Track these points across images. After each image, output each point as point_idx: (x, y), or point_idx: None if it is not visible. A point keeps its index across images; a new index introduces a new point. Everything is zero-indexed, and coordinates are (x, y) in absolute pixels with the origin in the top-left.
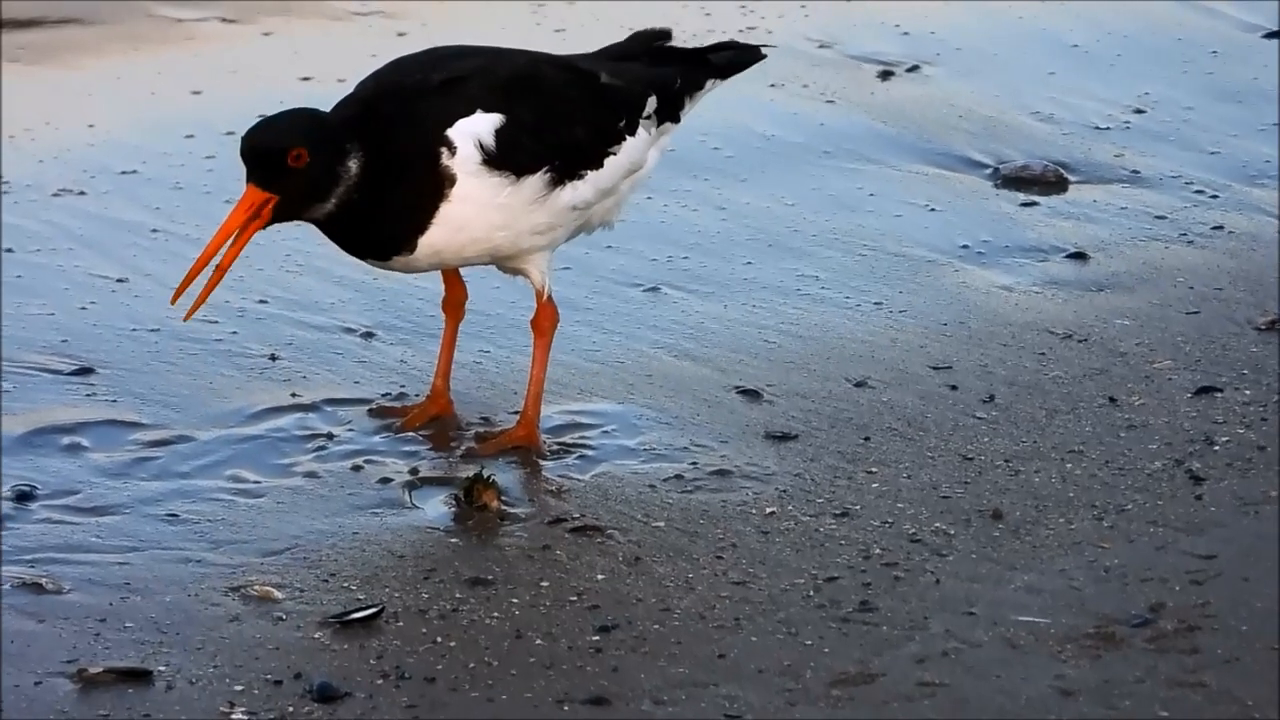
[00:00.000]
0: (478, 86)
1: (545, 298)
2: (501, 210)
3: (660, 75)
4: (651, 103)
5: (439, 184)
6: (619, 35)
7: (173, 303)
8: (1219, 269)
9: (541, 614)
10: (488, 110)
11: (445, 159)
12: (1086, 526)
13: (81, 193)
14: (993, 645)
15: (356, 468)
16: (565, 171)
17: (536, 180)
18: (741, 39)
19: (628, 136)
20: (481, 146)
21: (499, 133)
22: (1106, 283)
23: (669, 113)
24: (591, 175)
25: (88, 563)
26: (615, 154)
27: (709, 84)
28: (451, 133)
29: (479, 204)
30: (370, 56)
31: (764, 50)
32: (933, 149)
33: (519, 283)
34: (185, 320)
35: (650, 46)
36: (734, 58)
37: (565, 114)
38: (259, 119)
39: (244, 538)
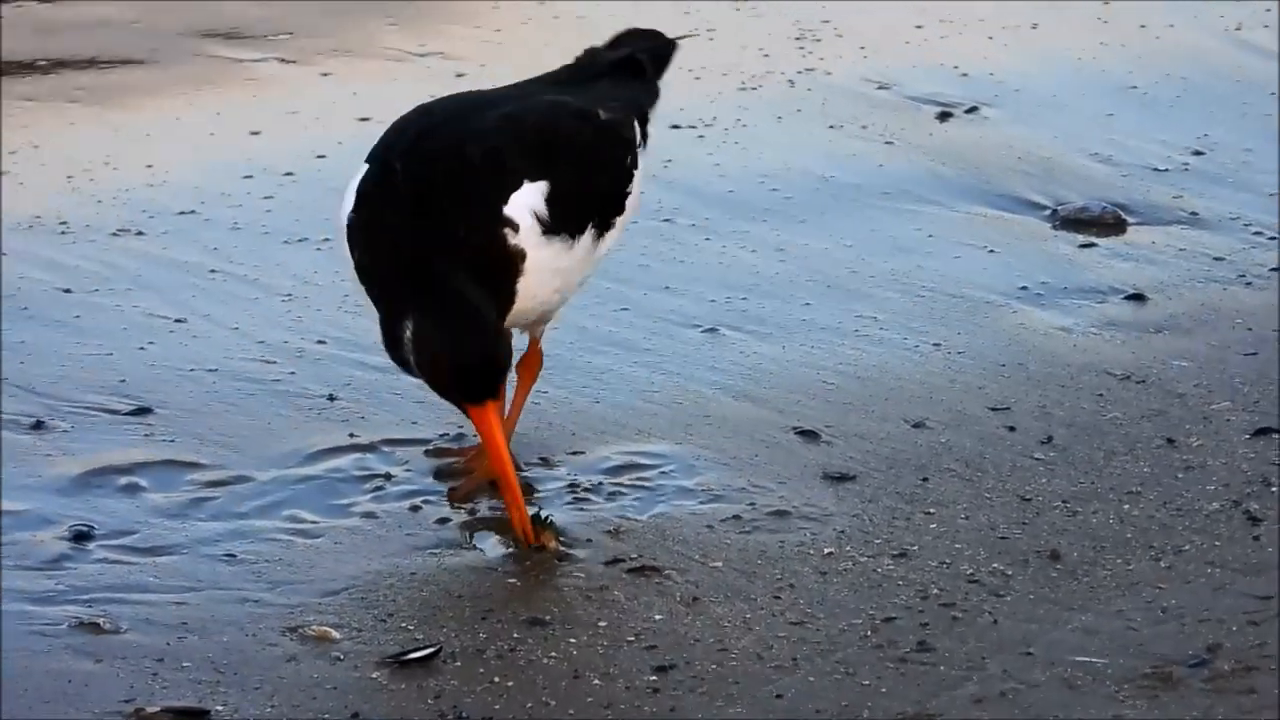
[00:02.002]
0: (513, 154)
1: (541, 343)
2: (559, 274)
3: (633, 99)
4: (638, 131)
5: (510, 263)
6: (679, 78)
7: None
8: (1277, 310)
9: (599, 654)
10: (533, 179)
11: (511, 238)
12: (1144, 567)
13: (140, 233)
14: (1050, 686)
15: (414, 508)
16: (603, 223)
17: (586, 238)
18: (800, 80)
19: (635, 172)
20: (539, 218)
21: (549, 200)
22: (1165, 324)
23: (645, 137)
24: (619, 220)
25: (145, 602)
26: (630, 193)
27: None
28: (509, 211)
29: (542, 271)
30: (429, 97)
31: (678, 40)
32: (991, 191)
33: (575, 322)
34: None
35: (583, 59)
36: (655, 52)
37: (593, 164)
38: (472, 337)
39: (302, 578)
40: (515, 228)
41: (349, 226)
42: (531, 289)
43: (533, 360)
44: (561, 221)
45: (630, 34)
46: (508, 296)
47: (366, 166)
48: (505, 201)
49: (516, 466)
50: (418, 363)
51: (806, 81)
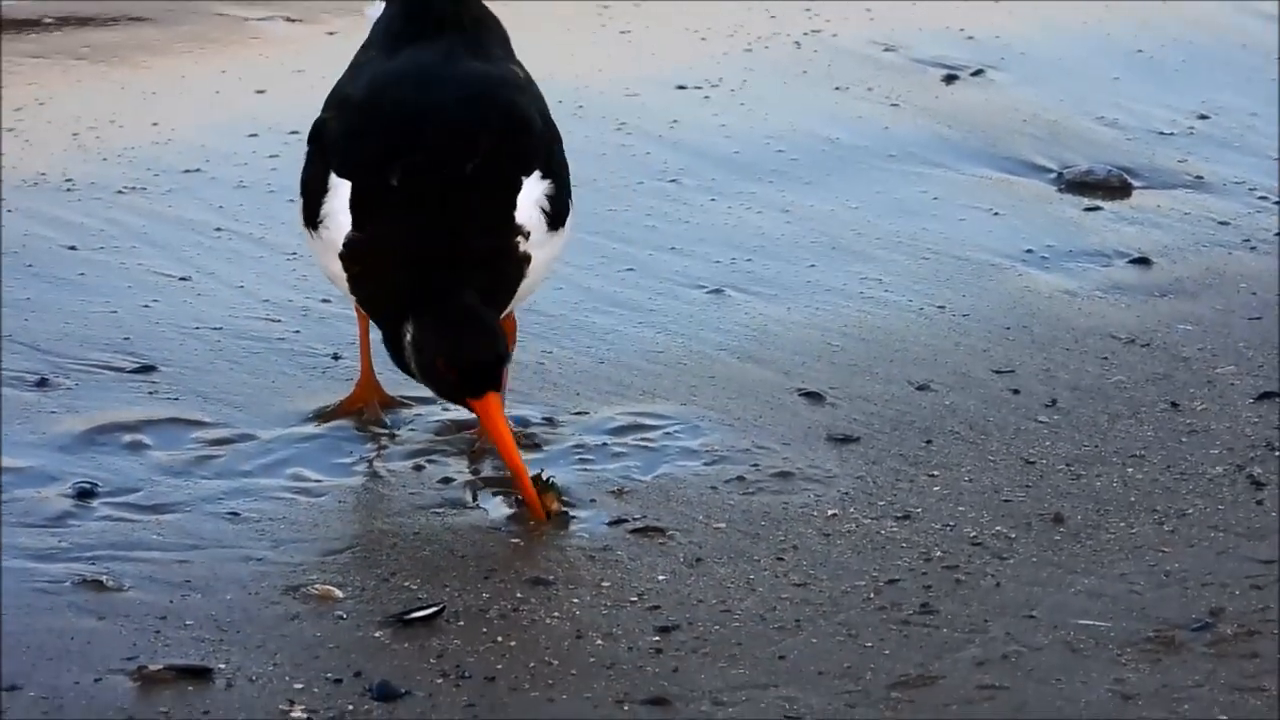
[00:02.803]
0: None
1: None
2: (551, 264)
3: (500, 39)
4: None
5: (520, 268)
6: (685, 39)
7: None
8: None
9: (602, 614)
10: (528, 176)
11: (523, 245)
12: (1147, 531)
13: (145, 191)
14: (1053, 649)
15: (418, 467)
16: (569, 206)
17: (569, 225)
18: (806, 42)
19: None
20: (545, 216)
21: (549, 195)
22: (1169, 288)
23: None
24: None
25: (148, 560)
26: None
27: None
28: (521, 218)
29: (541, 267)
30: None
31: None
32: (997, 154)
33: (580, 282)
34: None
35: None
36: None
37: (554, 137)
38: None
39: (305, 537)
40: (527, 234)
41: (349, 244)
42: (530, 285)
43: (508, 325)
44: (558, 214)
45: None
46: (507, 299)
47: (347, 182)
48: (514, 207)
49: (524, 424)
50: (419, 365)
51: (812, 43)
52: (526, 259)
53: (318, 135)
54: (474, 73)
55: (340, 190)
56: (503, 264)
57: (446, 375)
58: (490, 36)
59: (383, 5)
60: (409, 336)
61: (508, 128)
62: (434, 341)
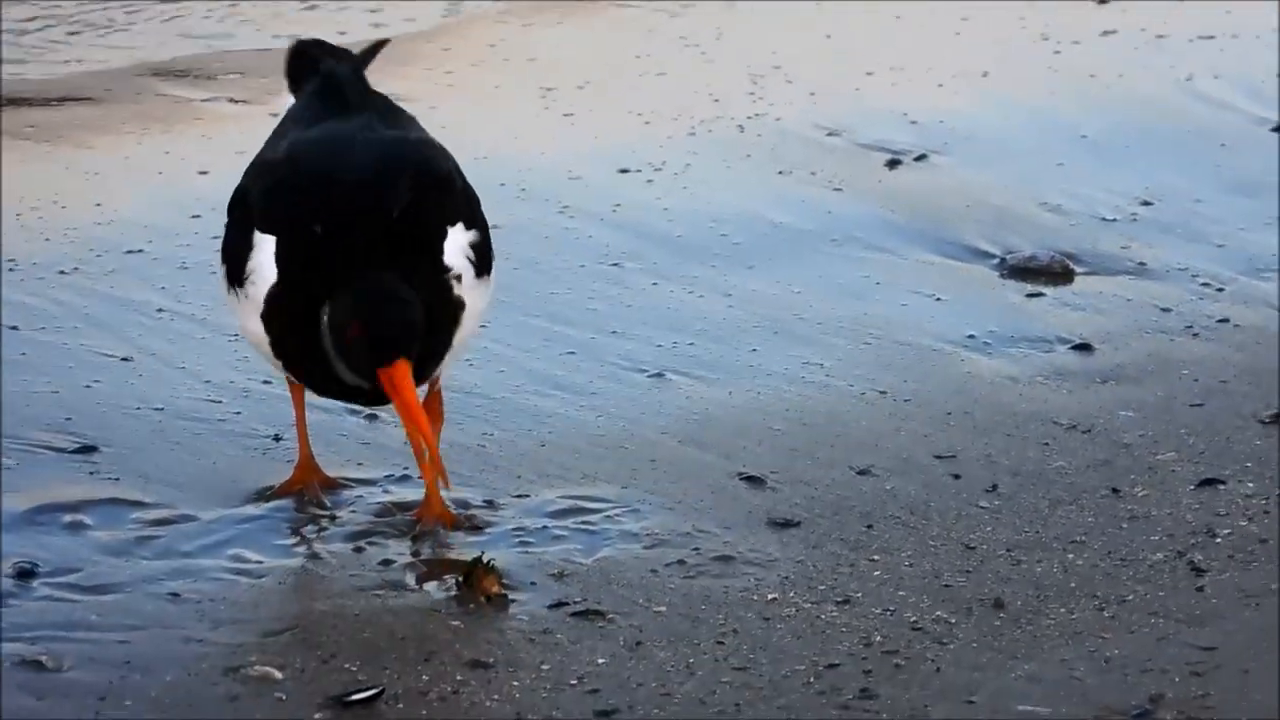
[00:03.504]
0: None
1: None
2: (480, 316)
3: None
4: None
5: (456, 313)
6: (628, 122)
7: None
8: (1224, 362)
9: (542, 697)
10: (453, 224)
11: (456, 289)
12: (1088, 617)
13: (88, 271)
14: None
15: (358, 549)
16: (492, 257)
17: (493, 274)
18: (750, 125)
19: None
20: (471, 263)
21: (473, 244)
22: (1111, 374)
23: None
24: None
25: (89, 640)
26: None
27: None
28: (449, 260)
29: (474, 316)
30: None
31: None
32: (940, 238)
33: (522, 365)
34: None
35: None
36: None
37: (471, 197)
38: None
39: (245, 617)
40: (459, 277)
41: (270, 300)
42: (463, 336)
43: (435, 405)
44: (483, 262)
45: (317, 45)
46: (445, 346)
47: (271, 237)
48: (442, 252)
49: (465, 506)
50: (334, 343)
51: (756, 127)
52: (461, 303)
53: (239, 202)
54: (391, 136)
55: (264, 245)
56: (439, 307)
57: (358, 341)
58: (401, 117)
59: (292, 98)
60: (325, 319)
61: (429, 182)
62: (347, 308)
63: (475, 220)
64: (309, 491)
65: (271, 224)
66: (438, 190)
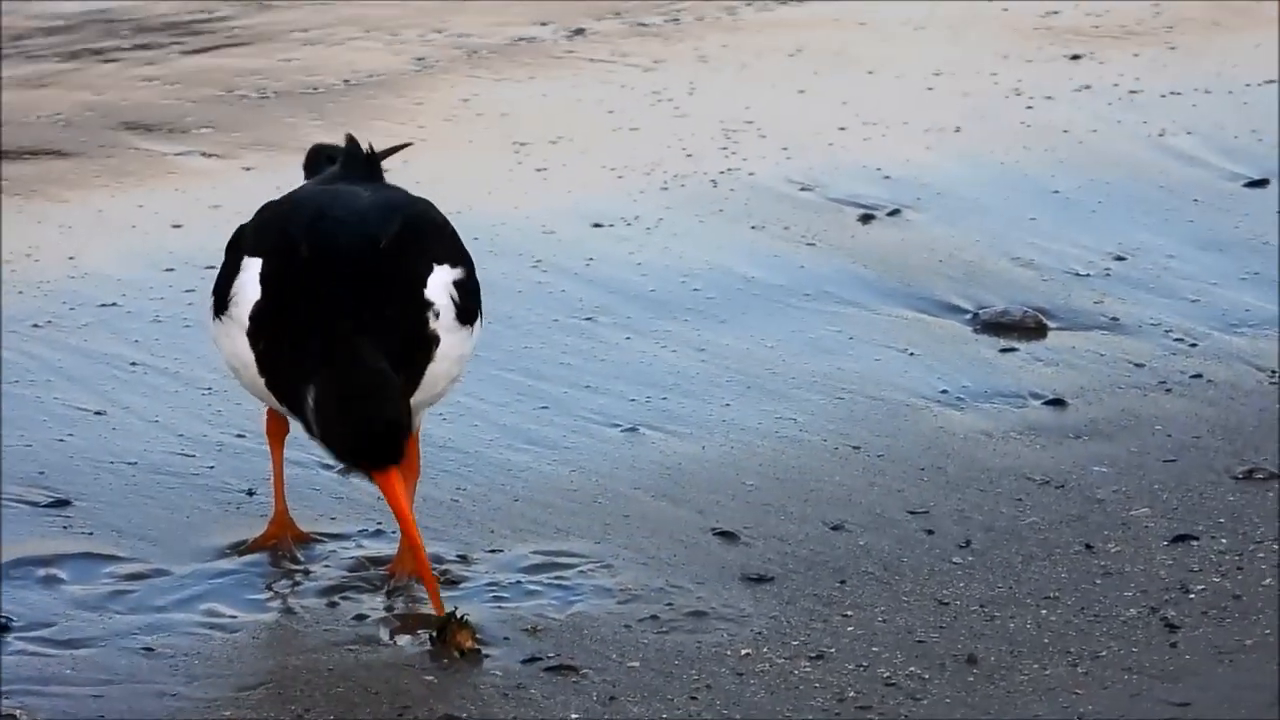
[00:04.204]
0: (418, 239)
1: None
2: (458, 363)
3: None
4: None
5: (428, 347)
6: (601, 176)
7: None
8: (1198, 417)
9: None
10: (440, 263)
11: (432, 323)
12: (1061, 672)
13: (61, 325)
14: None
15: (332, 604)
16: (479, 311)
17: (477, 327)
18: (723, 180)
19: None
20: (454, 302)
21: (458, 285)
22: (1084, 430)
23: None
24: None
25: (63, 695)
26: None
27: None
28: (430, 294)
29: (449, 358)
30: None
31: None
32: (913, 293)
33: (495, 419)
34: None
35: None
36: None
37: (464, 250)
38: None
39: (219, 672)
40: (437, 313)
41: (255, 317)
42: (435, 376)
43: (411, 458)
44: (467, 308)
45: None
46: (414, 382)
47: (258, 259)
48: (424, 284)
49: (439, 560)
50: (320, 428)
51: (729, 181)
52: (435, 339)
53: (236, 239)
54: (393, 193)
55: (251, 266)
56: (411, 338)
57: (346, 438)
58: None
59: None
60: (310, 400)
61: (423, 221)
62: (336, 402)
63: (467, 266)
64: (283, 546)
65: (259, 249)
66: (429, 230)
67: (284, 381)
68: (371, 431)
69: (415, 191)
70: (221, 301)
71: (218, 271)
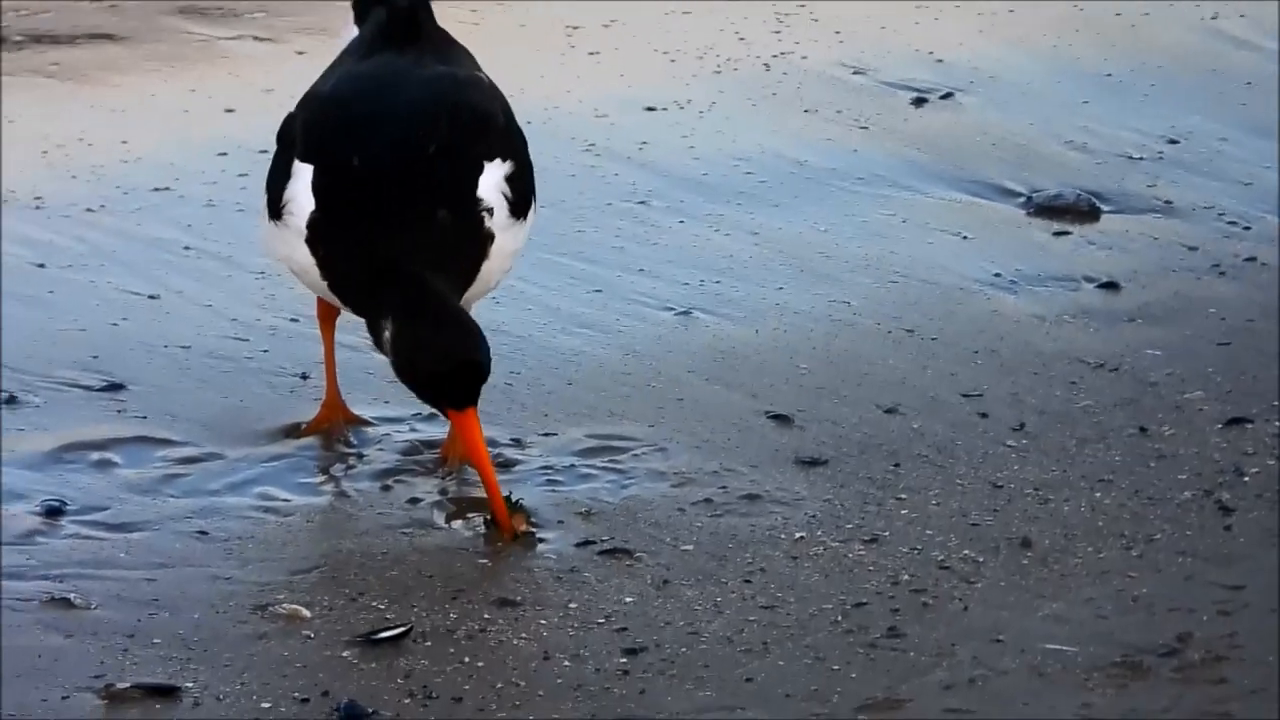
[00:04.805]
0: (466, 138)
1: None
2: (511, 257)
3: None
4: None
5: (484, 246)
6: (654, 61)
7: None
8: (1250, 301)
9: (569, 636)
10: (490, 160)
11: (487, 222)
12: (1115, 556)
13: (114, 209)
14: (1020, 673)
15: (386, 487)
16: (534, 200)
17: (530, 218)
18: (775, 64)
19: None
20: (507, 199)
21: (509, 180)
22: (1138, 313)
23: None
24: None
25: (116, 579)
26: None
27: None
28: (482, 194)
29: (503, 254)
30: None
31: None
32: (965, 177)
33: (548, 303)
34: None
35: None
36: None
37: (518, 135)
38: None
39: (273, 556)
40: (490, 211)
41: (313, 226)
42: (490, 272)
43: None
44: (519, 202)
45: None
46: (469, 281)
47: (309, 166)
48: (475, 186)
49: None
50: (397, 366)
51: (782, 65)
52: (490, 236)
53: (285, 131)
54: (439, 73)
55: (302, 174)
56: (466, 240)
57: (426, 380)
58: (458, 52)
59: (356, 29)
60: (387, 334)
61: (469, 117)
62: (416, 348)
63: (517, 158)
64: (335, 430)
65: (310, 155)
66: (476, 127)
67: (353, 295)
68: (454, 377)
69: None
70: (275, 206)
71: (270, 166)
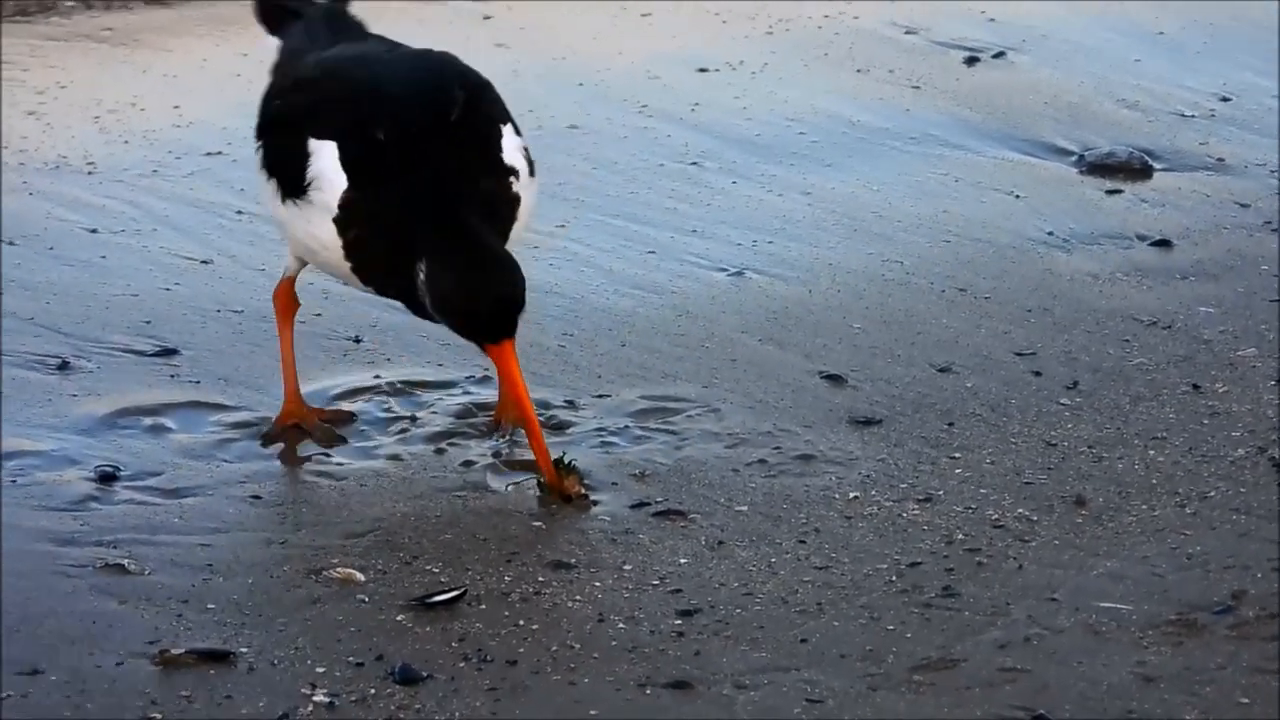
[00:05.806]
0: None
1: None
2: (531, 213)
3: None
4: None
5: (515, 207)
6: (706, 21)
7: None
8: None
9: (624, 598)
10: (503, 122)
11: (514, 185)
12: (1169, 513)
13: (167, 174)
14: (1074, 632)
15: (439, 450)
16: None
17: (536, 177)
18: (827, 24)
19: None
20: (528, 160)
21: (523, 147)
22: (1190, 271)
23: None
24: None
25: (170, 544)
26: None
27: None
28: (507, 159)
29: (527, 214)
30: (464, 40)
31: None
32: (1018, 136)
33: (602, 265)
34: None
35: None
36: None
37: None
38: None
39: (327, 520)
40: (516, 173)
41: (347, 205)
42: (517, 231)
43: None
44: (530, 160)
45: None
46: (505, 238)
47: (330, 143)
48: (500, 150)
49: (546, 406)
50: (434, 304)
51: (834, 25)
52: (517, 199)
53: (275, 123)
54: (416, 51)
55: (324, 151)
56: (499, 204)
57: (468, 316)
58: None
59: (275, 40)
60: (422, 276)
61: (476, 84)
62: (454, 282)
63: (513, 121)
64: (306, 424)
65: (329, 132)
66: (484, 94)
67: (381, 265)
68: (493, 309)
69: (514, 39)
70: (295, 186)
71: (265, 155)
